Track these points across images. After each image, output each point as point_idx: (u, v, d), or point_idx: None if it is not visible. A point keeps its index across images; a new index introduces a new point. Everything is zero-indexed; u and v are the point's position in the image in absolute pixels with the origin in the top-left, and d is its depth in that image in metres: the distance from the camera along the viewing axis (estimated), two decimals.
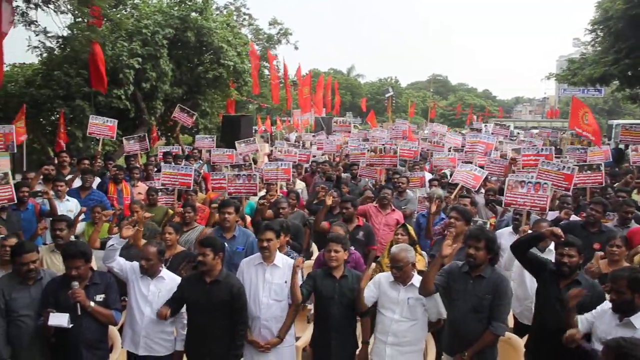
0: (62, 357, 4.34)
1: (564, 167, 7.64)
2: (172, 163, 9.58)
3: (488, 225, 6.29)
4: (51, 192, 7.10)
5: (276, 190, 8.65)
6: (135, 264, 4.71)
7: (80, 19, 12.23)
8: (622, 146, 16.29)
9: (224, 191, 8.07)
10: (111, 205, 7.74)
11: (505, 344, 4.87)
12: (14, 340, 4.23)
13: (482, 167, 9.80)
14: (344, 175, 10.20)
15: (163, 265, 4.86)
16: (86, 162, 9.11)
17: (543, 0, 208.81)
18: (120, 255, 4.79)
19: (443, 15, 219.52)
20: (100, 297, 4.36)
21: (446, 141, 14.12)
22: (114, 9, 13.99)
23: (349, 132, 17.24)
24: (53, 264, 5.53)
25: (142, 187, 8.67)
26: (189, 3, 15.56)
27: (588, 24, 21.90)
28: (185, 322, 4.62)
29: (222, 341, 4.47)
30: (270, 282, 4.68)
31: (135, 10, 14.80)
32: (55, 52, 13.15)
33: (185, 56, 15.23)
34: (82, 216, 6.83)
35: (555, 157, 10.42)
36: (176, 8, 15.20)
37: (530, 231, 5.41)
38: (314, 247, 7.72)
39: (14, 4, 11.18)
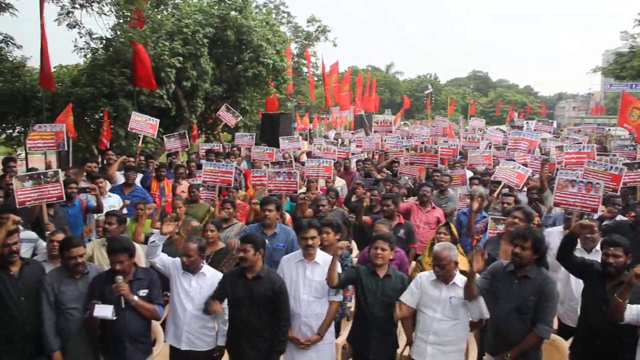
0: (107, 350, 4.45)
1: (612, 167, 7.37)
2: (214, 160, 9.69)
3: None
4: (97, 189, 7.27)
5: (317, 188, 8.66)
6: (178, 260, 4.78)
7: (122, 21, 12.51)
8: None
9: (264, 188, 8.11)
10: (153, 201, 7.89)
11: (549, 346, 4.76)
12: (63, 332, 4.37)
13: (525, 165, 9.52)
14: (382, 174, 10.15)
15: (204, 261, 4.91)
16: (131, 159, 9.32)
17: None
18: (163, 251, 4.87)
19: (483, 10, 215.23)
20: (143, 292, 4.45)
21: (487, 138, 13.79)
22: (156, 9, 14.26)
23: (390, 132, 17.07)
24: (103, 258, 5.60)
25: (185, 185, 8.81)
26: (229, 2, 15.65)
27: (638, 15, 21.28)
28: (227, 317, 4.65)
29: (264, 336, 4.50)
30: (310, 280, 4.69)
31: (176, 10, 14.98)
32: (99, 52, 13.48)
33: (225, 55, 15.33)
34: (125, 210, 6.97)
35: (601, 155, 10.01)
36: (216, 7, 15.32)
37: None
38: (354, 245, 7.68)
39: (60, 3, 11.57)
